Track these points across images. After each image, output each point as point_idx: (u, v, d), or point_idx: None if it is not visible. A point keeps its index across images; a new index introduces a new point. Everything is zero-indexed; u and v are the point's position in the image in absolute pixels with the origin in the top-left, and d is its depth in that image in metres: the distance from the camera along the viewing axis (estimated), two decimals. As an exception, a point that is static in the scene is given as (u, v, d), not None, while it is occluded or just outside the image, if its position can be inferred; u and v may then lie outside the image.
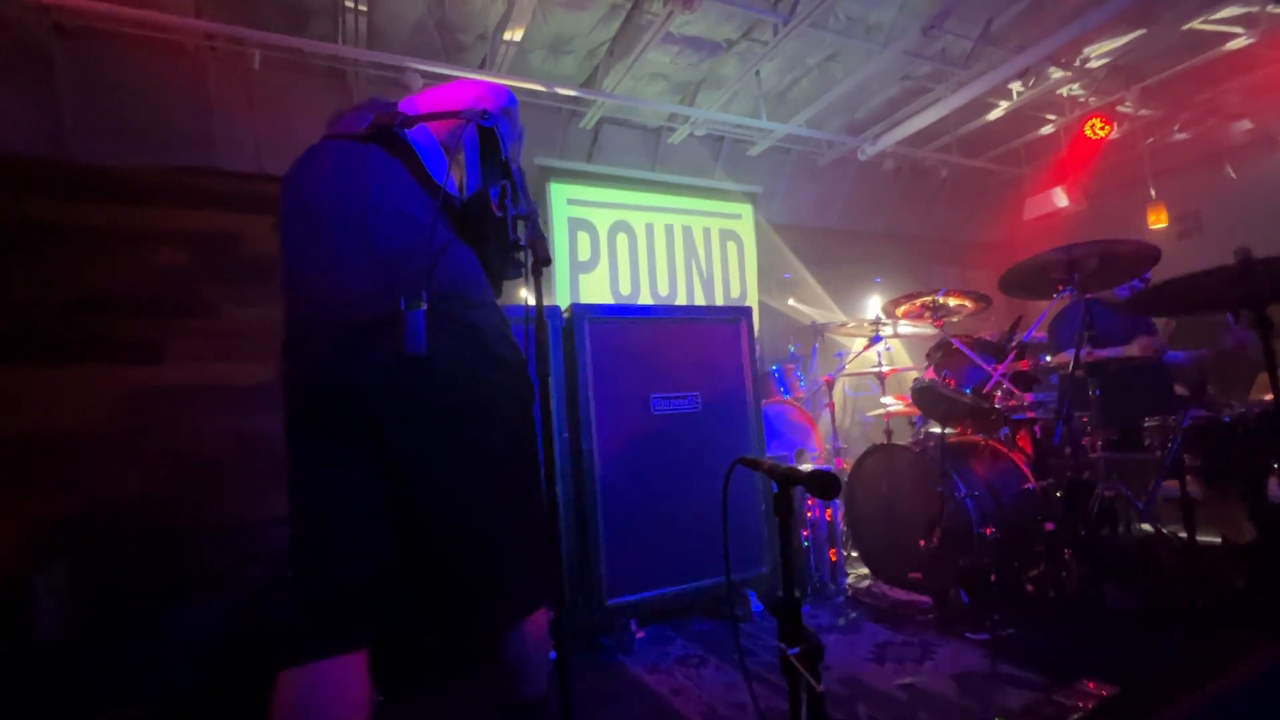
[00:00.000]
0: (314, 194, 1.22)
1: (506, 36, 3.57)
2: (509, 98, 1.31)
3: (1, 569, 2.50)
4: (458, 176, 1.28)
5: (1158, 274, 2.26)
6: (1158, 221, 5.33)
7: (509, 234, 1.16)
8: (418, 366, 1.07)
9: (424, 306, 1.06)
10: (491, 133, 1.19)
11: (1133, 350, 2.69)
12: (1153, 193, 5.47)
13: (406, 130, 1.24)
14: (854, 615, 2.50)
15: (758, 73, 4.23)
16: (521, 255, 1.20)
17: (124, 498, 3.08)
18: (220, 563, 3.02)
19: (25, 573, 2.54)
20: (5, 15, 2.94)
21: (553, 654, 1.25)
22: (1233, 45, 4.25)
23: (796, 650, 0.81)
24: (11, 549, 2.80)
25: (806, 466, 3.20)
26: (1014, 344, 2.58)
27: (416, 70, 3.54)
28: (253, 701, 1.12)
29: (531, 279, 1.15)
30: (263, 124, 3.70)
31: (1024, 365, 2.55)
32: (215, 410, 3.31)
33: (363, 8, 3.37)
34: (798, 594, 0.85)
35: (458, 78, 3.66)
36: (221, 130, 3.65)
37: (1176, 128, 5.49)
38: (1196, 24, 4.04)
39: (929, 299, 2.82)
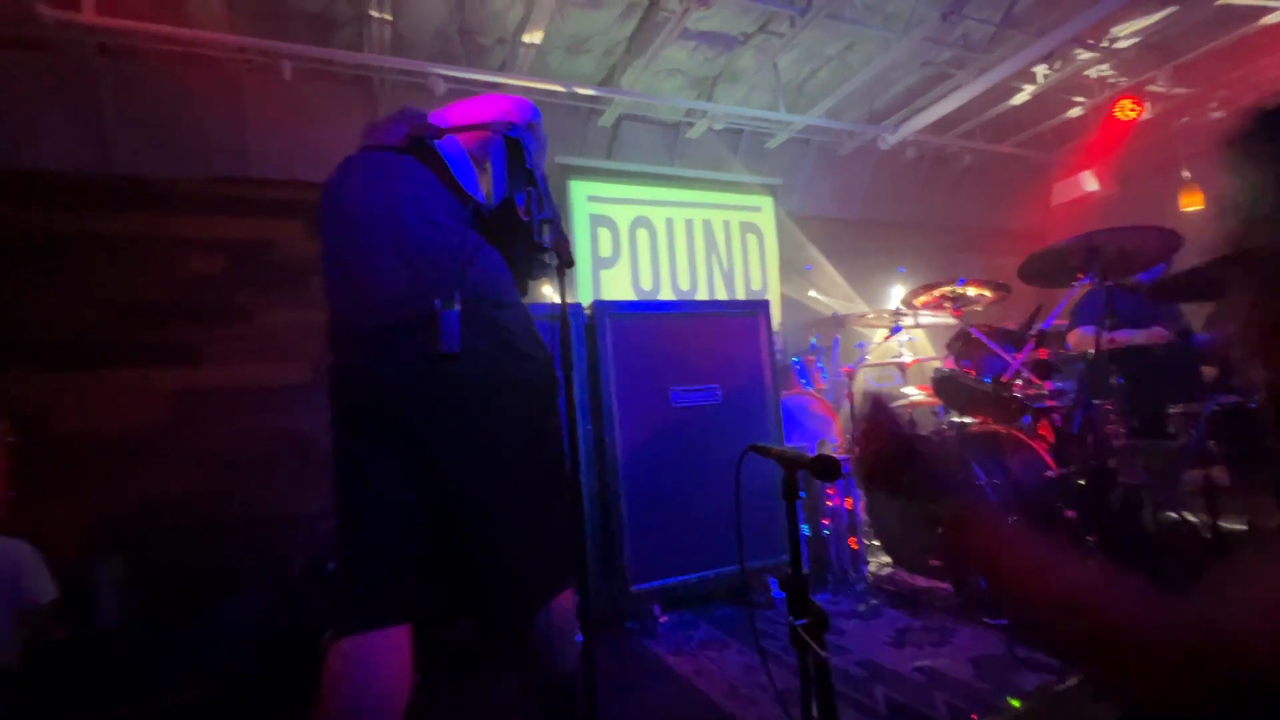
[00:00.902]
0: (352, 203, 1.30)
1: (526, 39, 3.64)
2: (533, 112, 1.38)
3: (63, 563, 2.67)
4: (485, 185, 1.35)
5: (1188, 259, 2.23)
6: (1191, 204, 5.18)
7: (535, 237, 1.23)
8: (450, 364, 1.15)
9: (457, 307, 1.14)
10: (517, 144, 1.26)
11: (1139, 339, 2.66)
12: (1186, 174, 5.31)
13: (437, 141, 1.32)
14: (875, 602, 2.53)
15: (775, 65, 4.23)
16: (546, 257, 1.27)
17: (169, 495, 3.25)
18: (260, 555, 3.17)
19: (85, 566, 2.71)
20: (55, 39, 3.11)
21: (579, 637, 1.32)
22: (1269, 20, 4.11)
23: (803, 621, 0.87)
24: (72, 544, 2.97)
25: (827, 457, 3.23)
26: (1033, 332, 2.57)
27: (440, 75, 3.63)
28: (296, 684, 1.21)
29: (556, 279, 1.23)
30: (293, 132, 3.83)
31: (1043, 353, 2.54)
32: (250, 410, 3.47)
33: (387, 16, 3.47)
34: (806, 571, 0.91)
35: (480, 81, 3.75)
36: (255, 140, 3.79)
37: (1211, 107, 5.32)
38: (1230, -2, 3.93)
39: (948, 289, 2.82)
